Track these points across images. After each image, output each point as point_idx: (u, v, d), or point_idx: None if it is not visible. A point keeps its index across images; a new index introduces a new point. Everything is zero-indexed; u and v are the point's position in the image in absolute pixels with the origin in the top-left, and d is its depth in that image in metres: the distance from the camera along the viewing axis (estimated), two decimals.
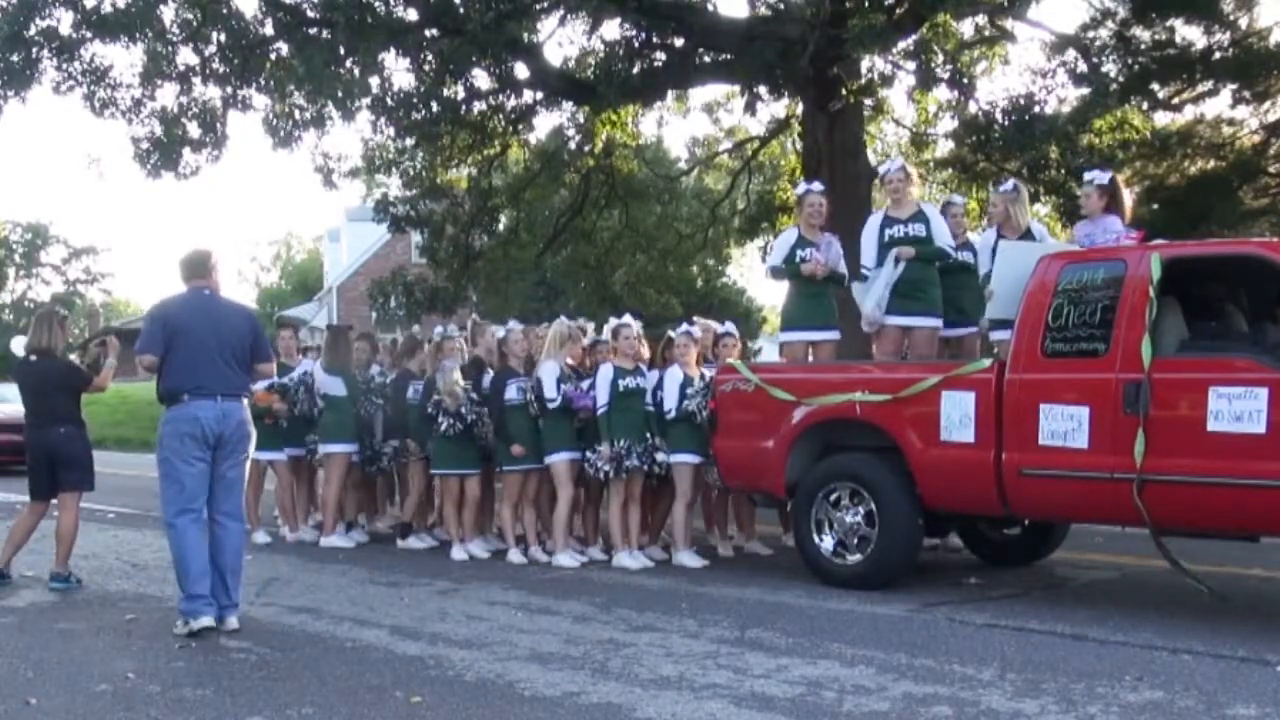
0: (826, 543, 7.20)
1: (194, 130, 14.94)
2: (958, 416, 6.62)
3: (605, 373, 8.19)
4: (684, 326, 8.60)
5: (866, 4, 12.05)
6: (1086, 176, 7.41)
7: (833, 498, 7.18)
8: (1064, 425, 6.22)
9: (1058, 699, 4.63)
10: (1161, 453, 5.88)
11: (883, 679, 4.97)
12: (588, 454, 8.19)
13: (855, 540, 7.10)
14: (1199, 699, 4.61)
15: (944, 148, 17.90)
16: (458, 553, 8.64)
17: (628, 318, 8.47)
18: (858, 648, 5.56)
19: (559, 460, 8.31)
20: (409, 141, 16.30)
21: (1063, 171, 13.55)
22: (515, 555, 8.46)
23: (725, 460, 7.85)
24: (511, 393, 8.46)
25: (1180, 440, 5.87)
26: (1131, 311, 6.11)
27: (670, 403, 8.17)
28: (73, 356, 7.88)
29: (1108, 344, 6.18)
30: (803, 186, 8.47)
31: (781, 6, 15.27)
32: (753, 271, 44.54)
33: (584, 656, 5.43)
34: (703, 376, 8.26)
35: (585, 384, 8.41)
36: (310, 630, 6.16)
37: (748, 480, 7.90)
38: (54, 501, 7.64)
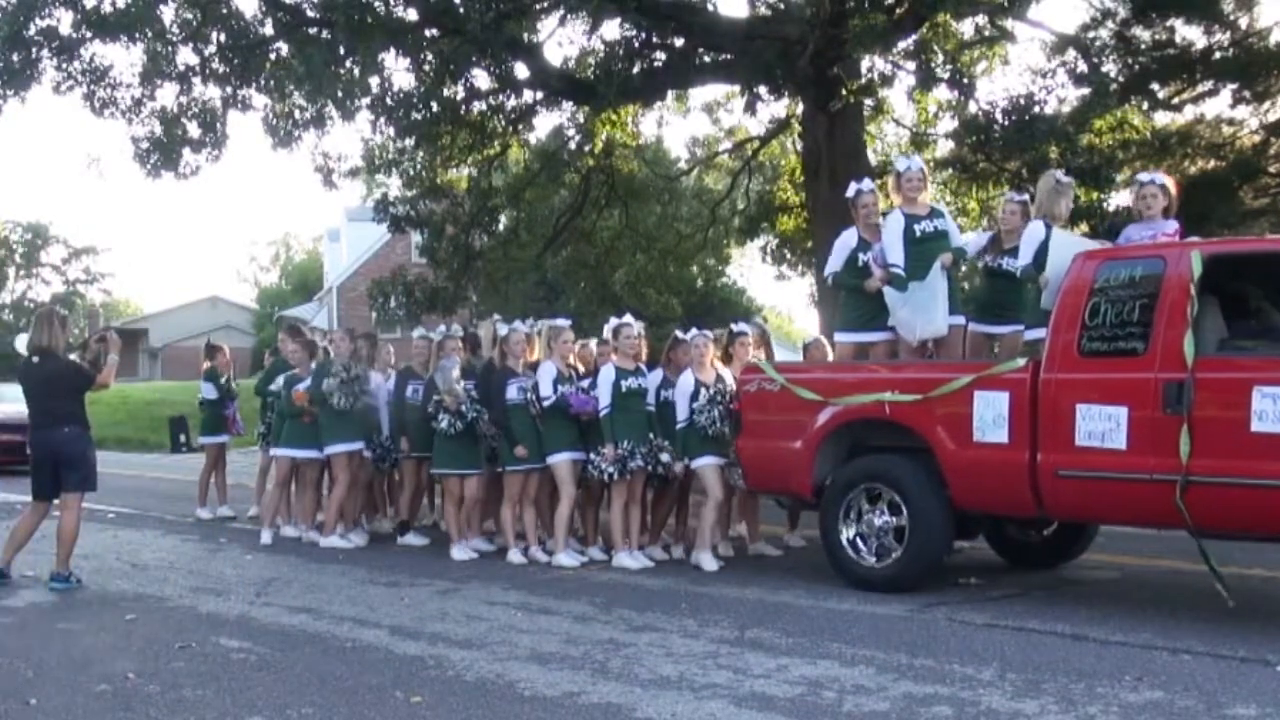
0: (855, 545, 7.10)
1: (194, 130, 14.93)
2: (991, 416, 6.52)
3: (606, 374, 8.16)
4: (697, 330, 8.47)
5: (866, 4, 12.03)
6: (1144, 178, 7.23)
7: (861, 499, 7.08)
8: (1102, 425, 6.12)
9: (1058, 699, 4.63)
10: (1204, 453, 5.78)
11: (883, 679, 4.97)
12: (591, 455, 8.17)
13: (884, 542, 6.99)
14: (1199, 699, 4.61)
15: (944, 148, 17.90)
16: (458, 553, 8.63)
17: (628, 317, 8.43)
18: (858, 648, 5.56)
19: (560, 460, 8.30)
20: (409, 141, 16.27)
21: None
22: (515, 555, 8.45)
23: (750, 461, 7.72)
24: (512, 393, 8.46)
25: (1223, 441, 5.77)
26: (1171, 309, 6.01)
27: (682, 413, 8.09)
28: (73, 356, 7.86)
29: (1147, 343, 6.08)
30: (853, 187, 8.10)
31: (781, 6, 15.26)
32: (753, 271, 44.53)
33: (584, 656, 5.43)
34: (720, 380, 8.13)
35: (585, 383, 8.40)
36: (310, 630, 6.16)
37: (773, 482, 7.79)
38: (55, 502, 7.64)
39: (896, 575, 6.91)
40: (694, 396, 8.07)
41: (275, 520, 9.91)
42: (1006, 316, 7.66)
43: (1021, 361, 6.67)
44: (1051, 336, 6.49)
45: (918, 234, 7.54)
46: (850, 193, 8.11)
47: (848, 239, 7.96)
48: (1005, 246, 7.70)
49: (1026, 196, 7.98)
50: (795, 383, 7.45)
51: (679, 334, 8.64)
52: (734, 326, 8.91)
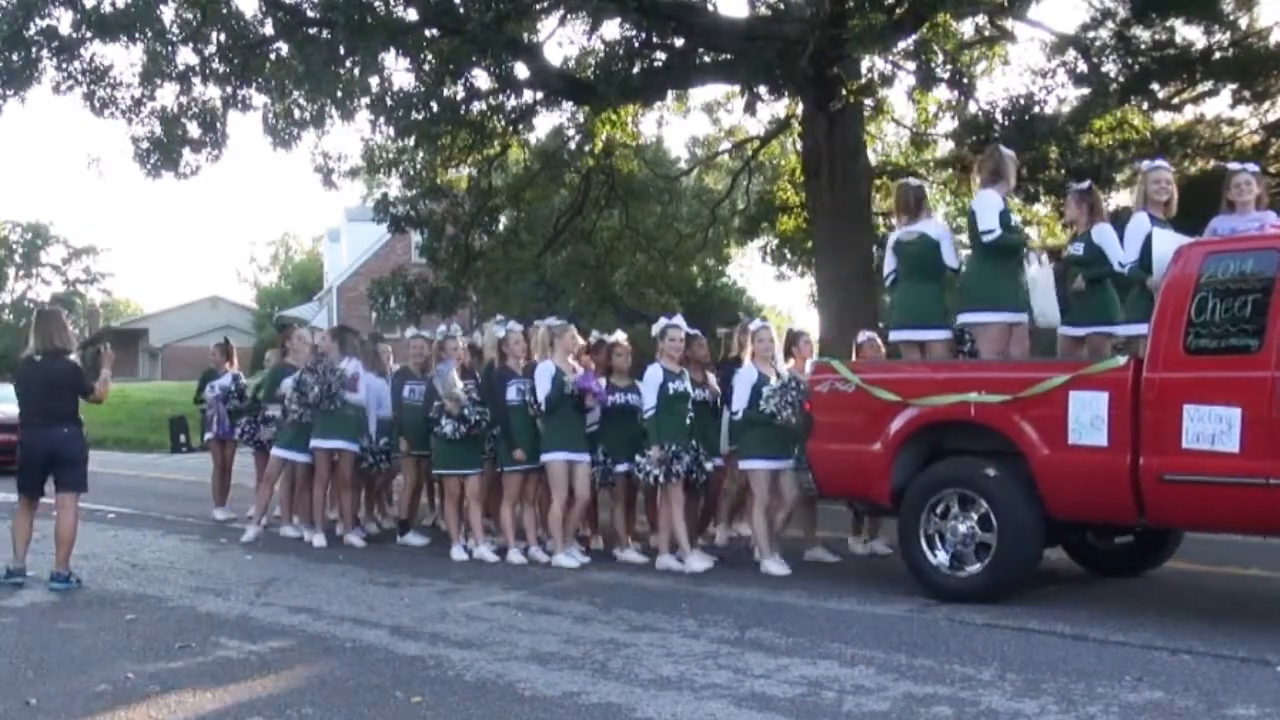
0: (939, 555, 6.74)
1: (194, 130, 14.96)
2: (1088, 418, 6.17)
3: (654, 375, 8.05)
4: (760, 321, 8.33)
5: (866, 4, 12.04)
6: (1234, 167, 7.00)
7: (943, 506, 6.74)
8: (1211, 427, 5.78)
9: (1058, 699, 4.63)
10: None
11: (883, 679, 4.97)
12: (637, 458, 8.06)
13: (970, 551, 6.64)
14: (1199, 699, 4.61)
15: (944, 148, 17.91)
16: (458, 553, 8.63)
17: (678, 318, 8.33)
18: (858, 648, 5.56)
19: (553, 460, 8.27)
20: (409, 141, 16.29)
21: (1062, 171, 13.54)
22: (515, 555, 8.45)
23: (822, 466, 7.33)
24: (511, 394, 8.45)
25: None
26: None
27: (739, 403, 7.89)
28: (71, 357, 7.86)
29: (1261, 340, 5.76)
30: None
31: (781, 6, 15.28)
32: (753, 271, 44.45)
33: (584, 656, 5.43)
34: (779, 375, 7.97)
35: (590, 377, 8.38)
36: (310, 630, 6.16)
37: (848, 487, 7.43)
38: (47, 501, 7.63)
39: (984, 585, 6.56)
40: (756, 388, 7.80)
41: (262, 517, 9.94)
42: (1096, 319, 7.14)
43: (1121, 360, 6.31)
44: (1154, 333, 6.13)
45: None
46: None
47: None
48: (1077, 233, 7.38)
49: (1089, 184, 7.59)
50: (873, 383, 7.09)
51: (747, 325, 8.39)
52: (791, 329, 8.78)
